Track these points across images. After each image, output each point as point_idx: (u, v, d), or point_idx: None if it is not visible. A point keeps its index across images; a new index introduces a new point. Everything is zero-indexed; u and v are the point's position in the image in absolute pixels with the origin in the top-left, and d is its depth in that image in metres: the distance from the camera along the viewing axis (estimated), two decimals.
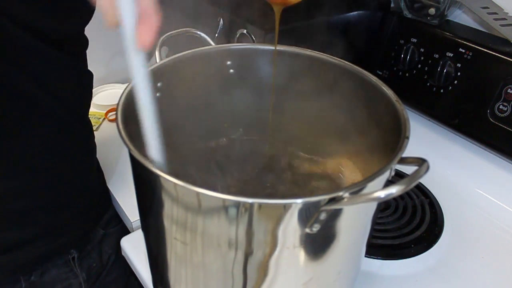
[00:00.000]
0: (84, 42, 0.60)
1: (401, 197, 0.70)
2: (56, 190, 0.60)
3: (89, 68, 0.62)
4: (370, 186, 0.34)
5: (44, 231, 0.61)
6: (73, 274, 0.65)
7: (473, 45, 0.71)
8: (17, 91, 0.50)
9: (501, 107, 0.69)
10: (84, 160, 0.65)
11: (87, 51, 0.61)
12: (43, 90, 0.52)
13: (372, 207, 0.40)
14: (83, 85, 0.61)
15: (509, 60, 0.67)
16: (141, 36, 0.29)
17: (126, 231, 0.71)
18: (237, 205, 0.32)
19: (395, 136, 0.41)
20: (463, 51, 0.72)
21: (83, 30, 0.59)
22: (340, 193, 0.32)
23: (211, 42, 0.55)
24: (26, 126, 0.53)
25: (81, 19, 0.56)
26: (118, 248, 0.68)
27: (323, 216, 0.33)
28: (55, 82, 0.54)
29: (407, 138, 0.39)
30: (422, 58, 0.78)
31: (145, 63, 0.32)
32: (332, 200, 0.32)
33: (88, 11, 0.56)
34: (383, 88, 0.47)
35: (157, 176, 0.33)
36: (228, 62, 0.55)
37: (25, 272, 0.61)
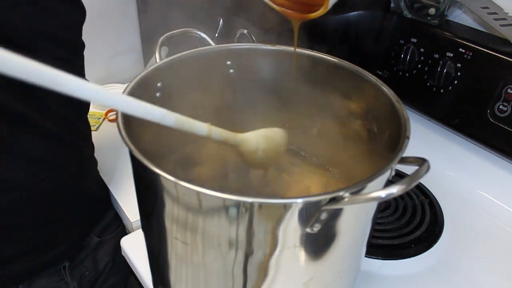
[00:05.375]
0: (80, 47, 0.58)
1: (401, 197, 0.70)
2: (47, 206, 0.58)
3: (89, 68, 0.61)
4: (371, 186, 0.34)
5: (35, 245, 0.58)
6: (64, 283, 0.63)
7: (473, 45, 0.71)
8: (8, 108, 0.49)
9: (501, 107, 0.69)
10: (80, 175, 0.62)
11: (87, 52, 0.60)
12: (36, 104, 0.51)
13: (372, 207, 0.40)
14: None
15: (509, 60, 0.67)
16: None
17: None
18: (238, 204, 0.32)
19: (395, 136, 0.41)
20: (463, 51, 0.72)
21: (80, 34, 0.57)
22: (341, 193, 0.32)
23: (211, 42, 0.55)
24: (19, 143, 0.51)
25: (74, 19, 0.55)
26: (115, 255, 0.67)
27: (323, 216, 0.33)
28: (49, 95, 0.51)
29: (407, 138, 0.39)
30: (422, 58, 0.78)
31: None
32: (333, 200, 0.32)
33: (79, 10, 0.55)
34: (383, 88, 0.47)
35: (157, 176, 0.33)
36: (228, 62, 0.55)
37: (13, 284, 0.59)
